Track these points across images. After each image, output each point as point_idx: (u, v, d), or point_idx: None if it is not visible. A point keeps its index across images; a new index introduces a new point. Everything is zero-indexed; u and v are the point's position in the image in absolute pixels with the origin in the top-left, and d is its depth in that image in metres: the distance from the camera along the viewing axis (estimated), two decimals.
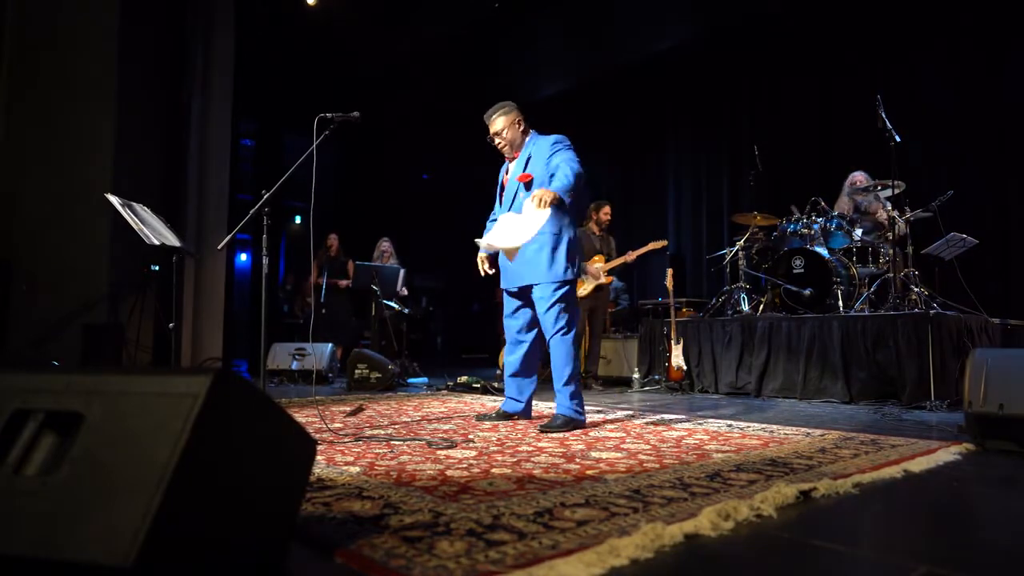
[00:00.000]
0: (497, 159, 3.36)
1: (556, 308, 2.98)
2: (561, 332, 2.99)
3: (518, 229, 2.80)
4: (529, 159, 3.11)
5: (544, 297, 3.00)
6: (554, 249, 2.98)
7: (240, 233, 3.17)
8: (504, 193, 3.22)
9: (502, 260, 3.18)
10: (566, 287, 3.01)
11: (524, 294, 3.13)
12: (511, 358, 3.25)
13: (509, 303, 3.22)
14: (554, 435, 2.75)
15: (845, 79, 6.80)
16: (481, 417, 3.27)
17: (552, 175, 2.95)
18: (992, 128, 5.86)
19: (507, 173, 3.24)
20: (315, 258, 6.78)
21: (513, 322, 3.21)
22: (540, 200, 2.72)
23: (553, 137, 3.11)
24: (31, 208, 5.57)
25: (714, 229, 7.98)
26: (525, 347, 3.20)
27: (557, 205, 2.85)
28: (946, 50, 6.18)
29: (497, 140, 3.18)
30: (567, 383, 2.98)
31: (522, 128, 3.18)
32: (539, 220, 2.76)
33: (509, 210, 3.09)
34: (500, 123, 3.15)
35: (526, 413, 3.28)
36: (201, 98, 6.51)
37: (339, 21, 7.70)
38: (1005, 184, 5.82)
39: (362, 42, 8.35)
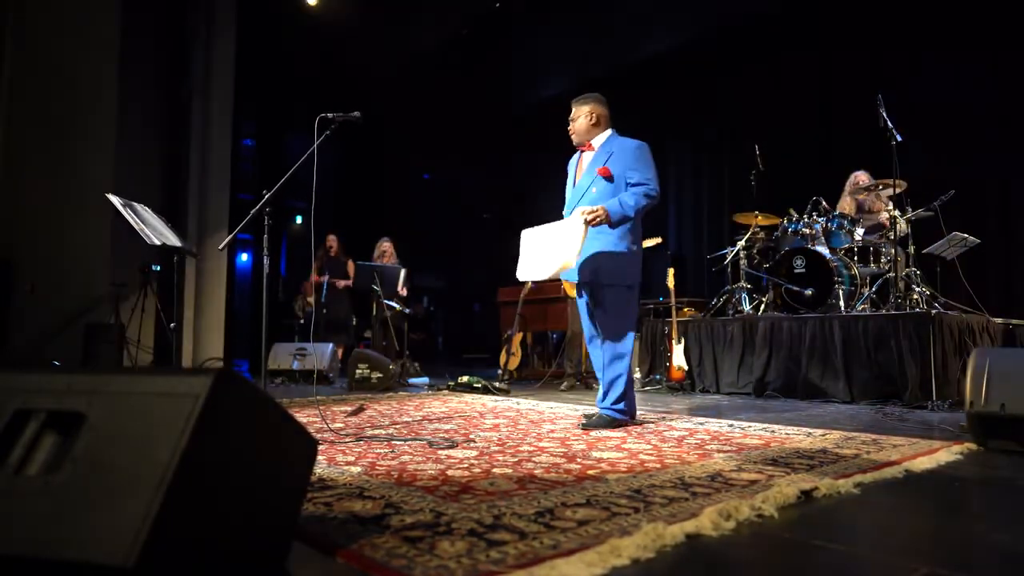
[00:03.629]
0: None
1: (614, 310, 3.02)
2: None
3: (555, 250, 2.82)
4: (611, 155, 3.07)
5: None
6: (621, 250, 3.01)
7: (241, 233, 3.17)
8: (578, 183, 3.17)
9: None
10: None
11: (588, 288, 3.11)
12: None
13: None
14: (557, 435, 2.75)
15: (845, 78, 6.79)
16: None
17: (627, 186, 2.98)
18: (993, 127, 5.86)
19: (578, 165, 3.23)
20: (315, 258, 6.79)
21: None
22: (594, 215, 2.82)
23: (636, 143, 3.07)
24: (32, 208, 5.58)
25: (715, 229, 7.97)
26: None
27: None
28: (947, 48, 6.18)
29: (570, 126, 3.20)
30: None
31: (593, 121, 3.14)
32: (577, 236, 2.79)
33: (581, 198, 3.06)
34: (576, 110, 3.18)
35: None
36: (201, 98, 6.51)
37: (339, 21, 7.70)
38: (1006, 183, 5.82)
39: (362, 42, 8.35)
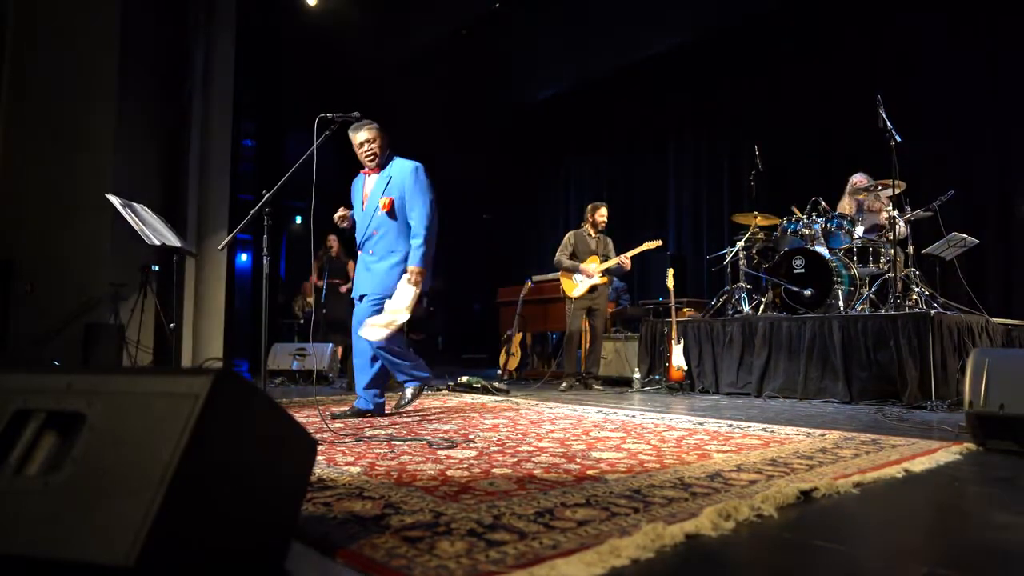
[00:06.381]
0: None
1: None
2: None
3: (402, 303, 3.25)
4: (390, 181, 3.32)
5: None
6: (403, 272, 3.29)
7: (241, 233, 3.18)
8: (366, 207, 3.40)
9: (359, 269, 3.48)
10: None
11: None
12: None
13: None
14: (556, 435, 2.75)
15: (845, 79, 6.79)
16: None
17: (411, 213, 3.30)
18: (992, 127, 5.86)
19: (364, 186, 3.43)
20: (315, 259, 6.78)
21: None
22: (414, 278, 3.21)
23: (412, 165, 3.32)
24: (31, 208, 5.57)
25: (714, 229, 7.98)
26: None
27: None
28: (946, 49, 6.18)
29: (366, 147, 3.34)
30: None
31: (384, 146, 3.40)
32: (411, 293, 3.24)
33: (369, 224, 3.35)
34: (368, 133, 3.33)
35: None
36: (201, 98, 6.51)
37: (339, 21, 7.70)
38: (1006, 183, 5.82)
39: (362, 42, 8.36)
